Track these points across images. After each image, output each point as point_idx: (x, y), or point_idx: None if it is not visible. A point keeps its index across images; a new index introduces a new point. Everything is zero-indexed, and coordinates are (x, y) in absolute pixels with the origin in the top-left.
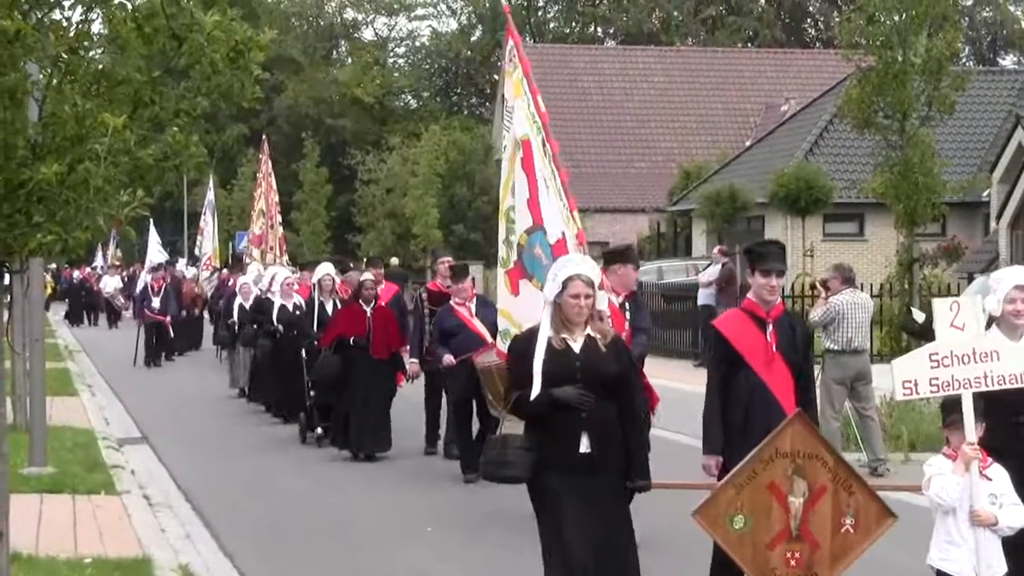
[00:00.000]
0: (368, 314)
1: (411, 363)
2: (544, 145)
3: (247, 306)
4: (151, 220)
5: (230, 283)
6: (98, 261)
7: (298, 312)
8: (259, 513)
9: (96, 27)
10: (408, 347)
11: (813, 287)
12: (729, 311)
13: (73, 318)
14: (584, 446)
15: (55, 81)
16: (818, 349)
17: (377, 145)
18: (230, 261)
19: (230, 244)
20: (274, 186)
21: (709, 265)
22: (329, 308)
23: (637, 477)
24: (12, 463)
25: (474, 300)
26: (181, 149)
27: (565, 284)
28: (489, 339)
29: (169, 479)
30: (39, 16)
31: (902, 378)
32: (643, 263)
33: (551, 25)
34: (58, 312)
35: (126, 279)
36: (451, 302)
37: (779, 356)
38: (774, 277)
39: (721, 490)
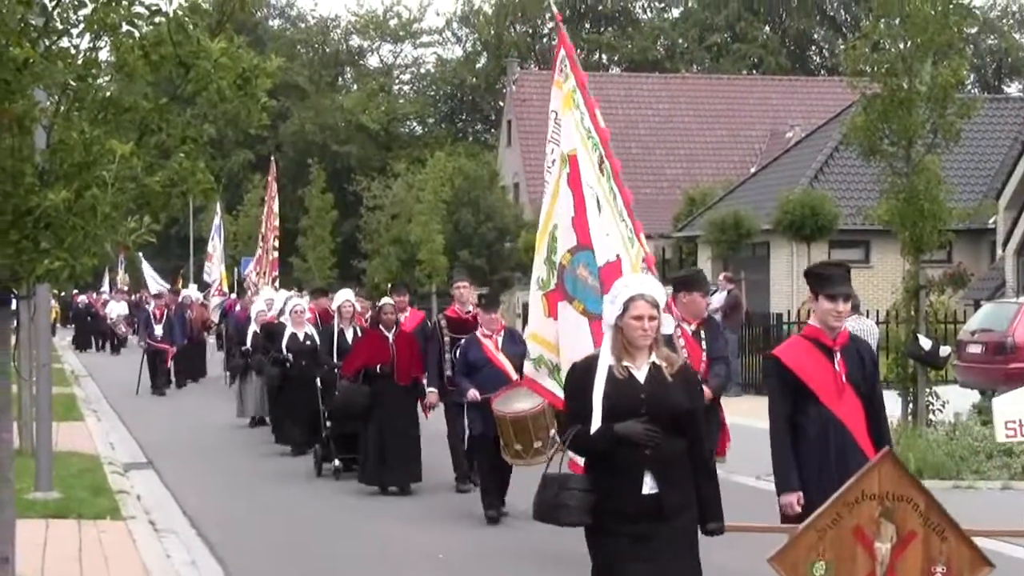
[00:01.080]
0: (391, 340)
1: (430, 392)
2: (603, 162)
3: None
4: (140, 254)
5: (236, 309)
6: (105, 286)
7: (308, 342)
8: (265, 540)
9: (104, 55)
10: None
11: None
12: (791, 339)
13: (80, 343)
14: (648, 486)
15: (63, 108)
16: None
17: (382, 171)
18: (236, 287)
19: (235, 270)
20: (275, 210)
21: (715, 291)
22: (349, 335)
23: (710, 520)
24: (18, 488)
25: (502, 333)
26: (188, 175)
27: (626, 305)
28: (514, 376)
29: (175, 504)
30: (47, 44)
31: (1005, 418)
32: None
33: None
34: (64, 337)
35: (133, 305)
36: (477, 333)
37: (849, 386)
38: (840, 302)
39: (801, 534)
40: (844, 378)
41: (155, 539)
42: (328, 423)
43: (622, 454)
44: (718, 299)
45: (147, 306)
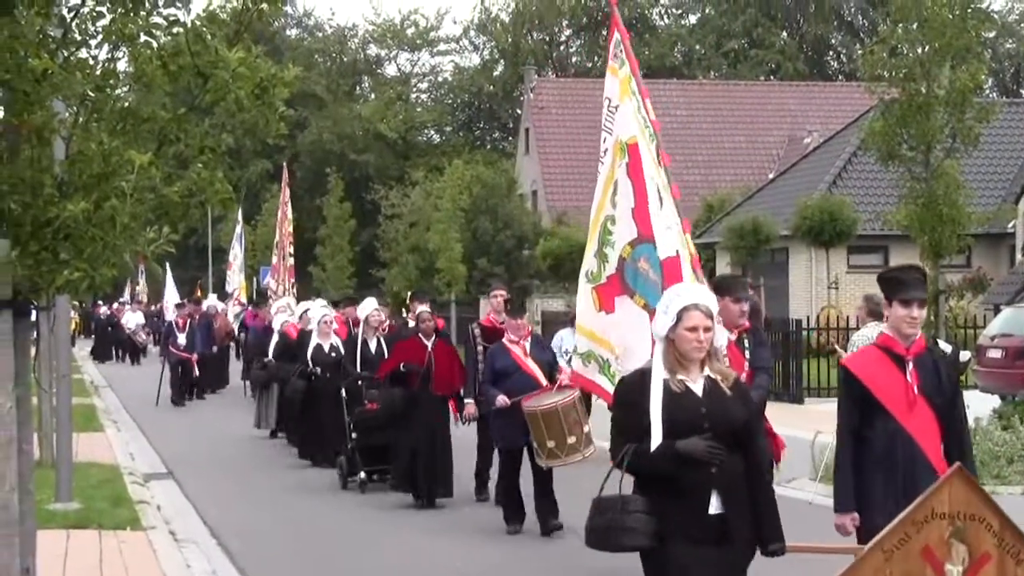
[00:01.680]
0: (429, 348)
1: (468, 403)
2: (657, 155)
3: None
4: (168, 264)
5: (255, 319)
6: (125, 297)
7: (333, 353)
8: (286, 550)
9: (122, 65)
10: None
11: (833, 352)
12: (862, 348)
13: (100, 354)
14: (715, 506)
15: (82, 119)
16: None
17: (400, 180)
18: (254, 296)
19: (254, 279)
20: (289, 216)
21: None
22: (372, 346)
23: (770, 540)
24: (38, 499)
25: (529, 339)
26: (206, 186)
27: (679, 316)
28: (544, 382)
29: (195, 515)
30: (66, 55)
31: None
32: None
33: (573, 59)
34: (83, 348)
35: (155, 316)
36: (504, 340)
37: (922, 399)
38: (915, 307)
39: (868, 556)
40: (916, 390)
41: (175, 549)
42: (353, 435)
43: (686, 473)
44: None
45: (165, 316)
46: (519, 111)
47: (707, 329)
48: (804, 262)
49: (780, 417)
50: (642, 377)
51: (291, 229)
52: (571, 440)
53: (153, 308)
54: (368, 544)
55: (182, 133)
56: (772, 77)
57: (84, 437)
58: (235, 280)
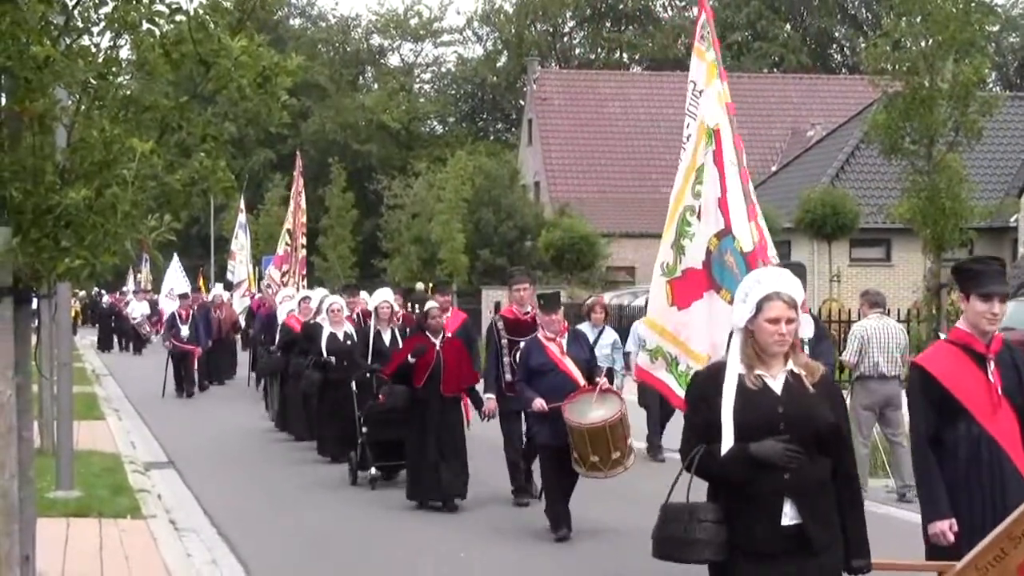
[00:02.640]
0: (437, 346)
1: (487, 399)
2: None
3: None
4: (175, 253)
5: (260, 307)
6: (129, 286)
7: (348, 342)
8: (288, 539)
9: (124, 53)
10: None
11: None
12: (936, 344)
13: (103, 344)
14: (789, 517)
15: (83, 107)
16: (845, 374)
17: (403, 170)
18: (259, 286)
19: (256, 269)
20: (303, 206)
21: None
22: (387, 338)
23: (855, 555)
24: (39, 487)
25: (566, 335)
26: (208, 174)
27: (760, 306)
28: (581, 382)
29: (195, 504)
30: (68, 42)
31: None
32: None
33: (577, 51)
34: (85, 337)
35: (153, 304)
36: (539, 336)
37: (1005, 401)
38: (997, 302)
39: (960, 574)
40: (1000, 391)
41: (176, 538)
42: (364, 429)
43: (758, 479)
44: None
45: (171, 305)
46: (522, 102)
47: (790, 320)
48: (806, 255)
49: None
50: (717, 372)
51: (304, 220)
52: (616, 455)
53: (155, 297)
54: (372, 538)
55: (184, 121)
56: (775, 70)
57: (85, 425)
58: (241, 271)
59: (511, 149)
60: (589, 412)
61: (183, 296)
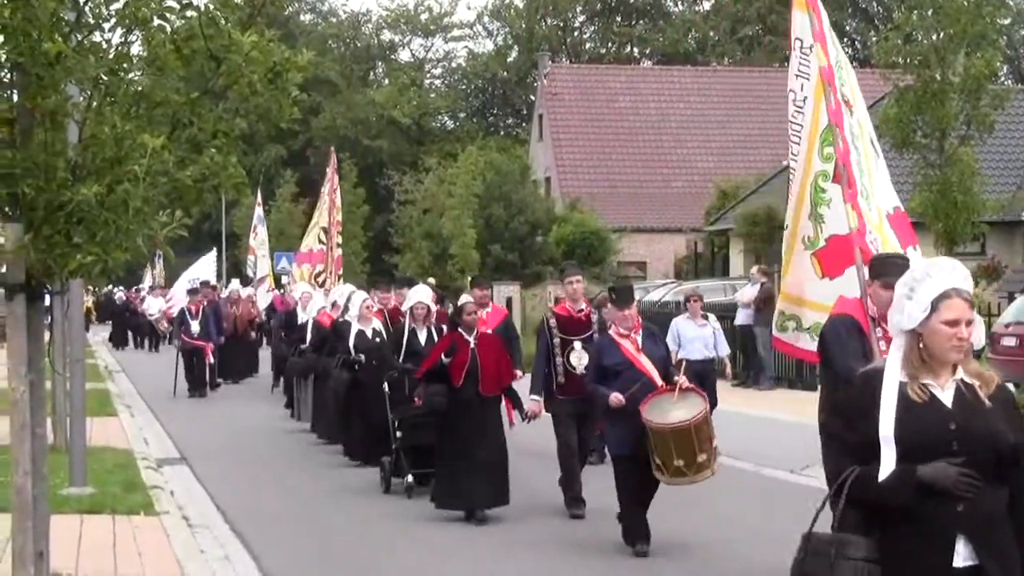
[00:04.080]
0: (472, 344)
1: (532, 400)
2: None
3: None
4: (211, 253)
5: (283, 304)
6: (147, 282)
7: (378, 339)
8: (302, 536)
9: (135, 49)
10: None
11: None
12: None
13: (117, 341)
14: (963, 556)
15: (95, 103)
16: None
17: (414, 166)
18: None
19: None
20: (338, 203)
21: (748, 284)
22: (422, 337)
23: None
24: (52, 483)
25: (641, 331)
26: (219, 170)
27: (936, 305)
28: (659, 381)
29: (208, 500)
30: (79, 38)
31: None
32: (681, 284)
33: (587, 46)
34: (98, 334)
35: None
36: (612, 333)
37: None
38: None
39: None
40: None
41: (189, 534)
42: (398, 433)
43: (925, 510)
44: (750, 291)
45: (181, 300)
46: (533, 97)
47: (969, 322)
48: None
49: (794, 404)
50: (871, 379)
51: (340, 218)
52: (701, 458)
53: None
54: (394, 542)
55: (195, 117)
56: (787, 64)
57: (97, 422)
58: (263, 265)
59: (522, 144)
60: (670, 413)
61: (193, 291)
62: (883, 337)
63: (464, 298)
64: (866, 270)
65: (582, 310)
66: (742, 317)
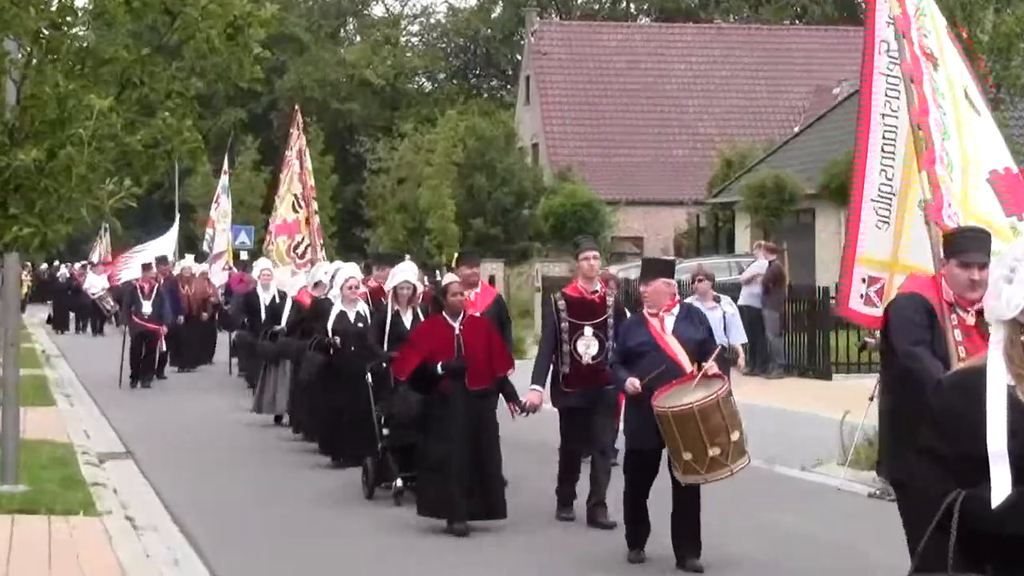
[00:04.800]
0: (456, 330)
1: (532, 390)
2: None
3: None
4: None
5: (240, 283)
6: (93, 257)
7: (360, 323)
8: (260, 541)
9: (81, 1)
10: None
11: (863, 347)
12: None
13: (58, 323)
14: None
15: (35, 60)
16: (875, 356)
17: (388, 131)
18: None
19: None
20: (308, 166)
21: (753, 262)
22: (407, 320)
23: None
24: None
25: (676, 310)
26: (173, 134)
27: None
28: (687, 367)
29: (156, 499)
30: None
31: None
32: (681, 261)
33: (579, 1)
34: (35, 315)
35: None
36: (644, 311)
37: None
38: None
39: None
40: None
41: (133, 536)
42: (384, 431)
43: None
44: (757, 268)
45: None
46: (519, 57)
47: None
48: (833, 225)
49: (805, 395)
50: (972, 381)
51: (313, 182)
52: (713, 451)
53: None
54: (366, 549)
55: (146, 76)
56: (798, 21)
57: (33, 412)
58: (221, 240)
59: (507, 108)
60: (683, 399)
61: (146, 267)
62: (957, 325)
63: (449, 277)
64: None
65: (596, 291)
66: (746, 297)
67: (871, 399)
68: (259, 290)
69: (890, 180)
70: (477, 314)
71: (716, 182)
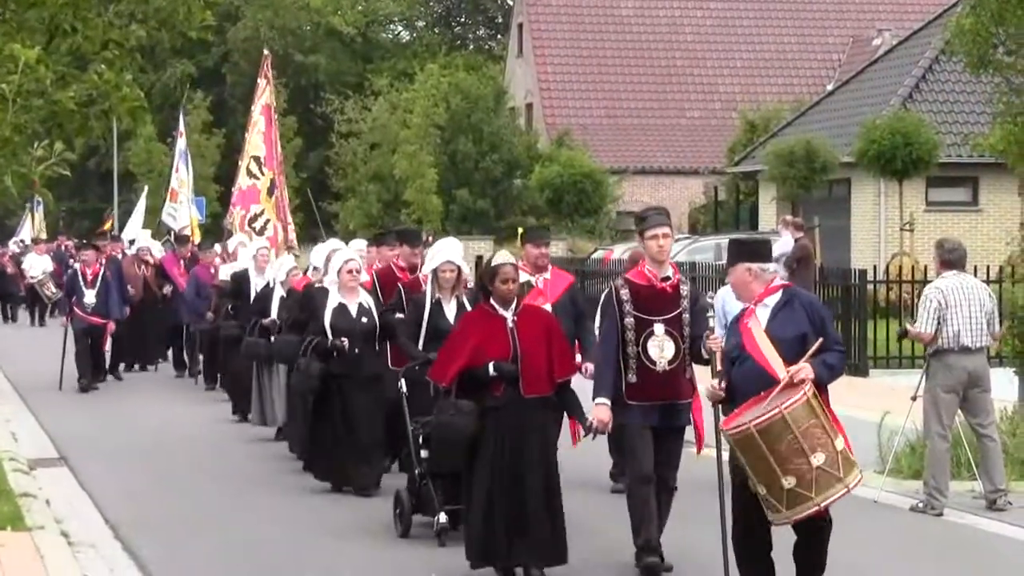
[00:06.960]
0: (510, 323)
1: (599, 404)
2: None
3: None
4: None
5: (198, 264)
6: (22, 235)
7: (364, 318)
8: (214, 563)
9: None
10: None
11: (903, 335)
12: None
13: None
14: None
15: None
16: (919, 349)
17: (359, 88)
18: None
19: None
20: (275, 120)
21: (778, 239)
22: (450, 312)
23: None
24: None
25: (776, 297)
26: (110, 91)
27: None
28: (780, 375)
29: (94, 511)
30: None
31: None
32: (697, 239)
33: None
34: None
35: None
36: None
37: None
38: None
39: None
40: None
41: (68, 554)
42: (423, 452)
43: None
44: (782, 249)
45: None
46: (510, 2)
47: None
48: (870, 197)
49: (840, 393)
50: None
51: (277, 140)
52: (788, 483)
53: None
54: (323, 554)
55: (79, 23)
56: None
57: None
58: (184, 214)
59: (496, 62)
60: (759, 413)
61: (94, 247)
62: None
63: (501, 256)
64: None
65: (668, 278)
66: None
67: (913, 398)
68: (252, 274)
69: None
70: (547, 306)
71: (737, 148)
